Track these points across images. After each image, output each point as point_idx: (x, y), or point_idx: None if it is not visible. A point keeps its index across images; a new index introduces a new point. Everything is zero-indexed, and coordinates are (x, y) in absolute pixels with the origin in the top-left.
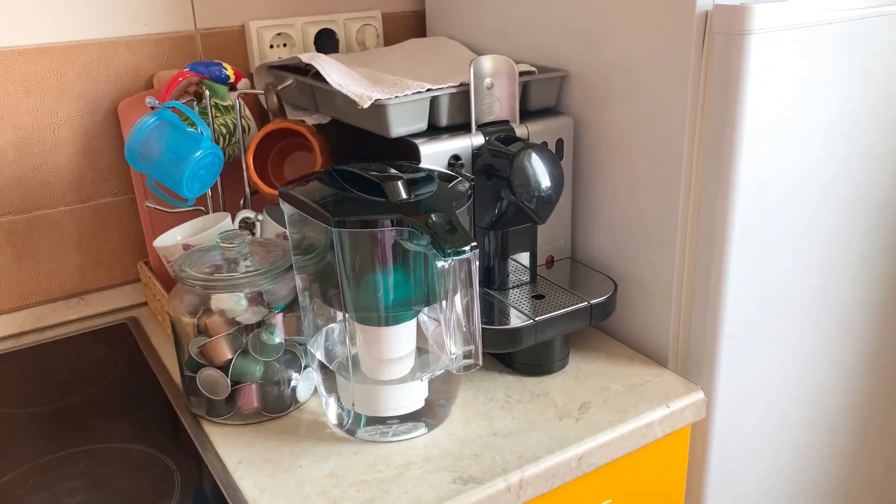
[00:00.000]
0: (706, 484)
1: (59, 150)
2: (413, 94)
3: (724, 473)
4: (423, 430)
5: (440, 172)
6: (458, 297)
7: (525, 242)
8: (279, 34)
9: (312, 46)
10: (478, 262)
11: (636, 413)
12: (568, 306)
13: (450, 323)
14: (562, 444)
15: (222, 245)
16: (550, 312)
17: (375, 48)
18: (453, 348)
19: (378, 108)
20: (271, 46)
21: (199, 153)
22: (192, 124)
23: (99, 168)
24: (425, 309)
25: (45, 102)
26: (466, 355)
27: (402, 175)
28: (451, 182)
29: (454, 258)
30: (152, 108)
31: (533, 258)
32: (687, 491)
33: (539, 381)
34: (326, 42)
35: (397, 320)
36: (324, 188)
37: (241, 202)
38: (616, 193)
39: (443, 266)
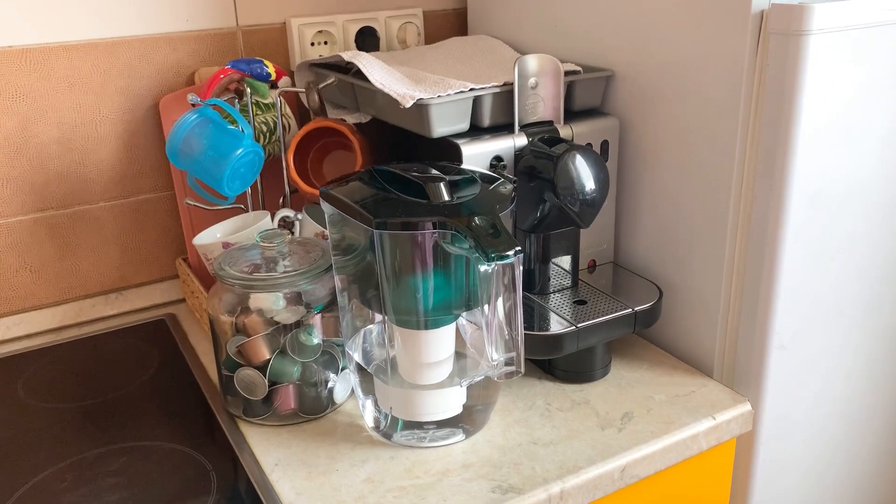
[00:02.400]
0: (751, 499)
1: (101, 145)
2: (456, 93)
3: (769, 488)
4: (461, 436)
5: (482, 174)
6: (500, 303)
7: (567, 246)
8: (320, 31)
9: (353, 44)
10: (521, 268)
11: (681, 424)
12: (611, 313)
13: (492, 329)
14: (604, 455)
15: (262, 244)
16: (593, 319)
17: (416, 46)
18: (495, 355)
19: (420, 108)
20: (312, 44)
21: (239, 151)
22: (234, 122)
23: (140, 164)
24: (464, 313)
25: (88, 98)
26: (508, 362)
27: (444, 176)
28: (492, 184)
29: (498, 262)
30: (194, 105)
31: (575, 262)
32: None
33: (580, 389)
34: (367, 40)
35: (437, 324)
36: (365, 188)
37: (281, 201)
38: (662, 197)
39: (485, 270)
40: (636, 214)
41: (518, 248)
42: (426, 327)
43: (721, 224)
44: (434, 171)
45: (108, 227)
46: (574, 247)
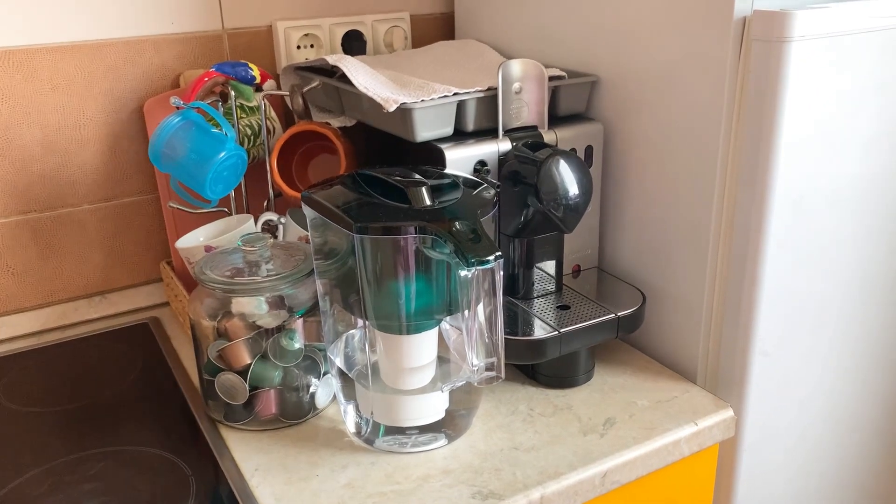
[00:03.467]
0: (733, 502)
1: (84, 148)
2: (440, 97)
3: (751, 495)
4: (444, 441)
5: (465, 178)
6: (480, 308)
7: (551, 251)
8: (306, 35)
9: (340, 48)
10: (502, 272)
11: (663, 430)
12: (594, 318)
13: (472, 334)
14: (585, 461)
15: (244, 248)
16: (576, 324)
17: (403, 50)
18: (475, 360)
19: (404, 112)
20: (298, 47)
21: (222, 154)
22: (217, 125)
23: (123, 167)
24: (447, 318)
25: (72, 100)
26: (489, 367)
27: (426, 181)
28: (475, 188)
29: (478, 268)
30: (177, 108)
31: (559, 267)
32: None
33: (563, 395)
34: (354, 44)
35: (418, 329)
36: (347, 192)
37: (265, 204)
38: (646, 203)
39: (466, 275)
40: (620, 220)
41: (498, 254)
42: (408, 332)
43: (704, 230)
44: (416, 176)
45: (92, 229)
46: (558, 252)
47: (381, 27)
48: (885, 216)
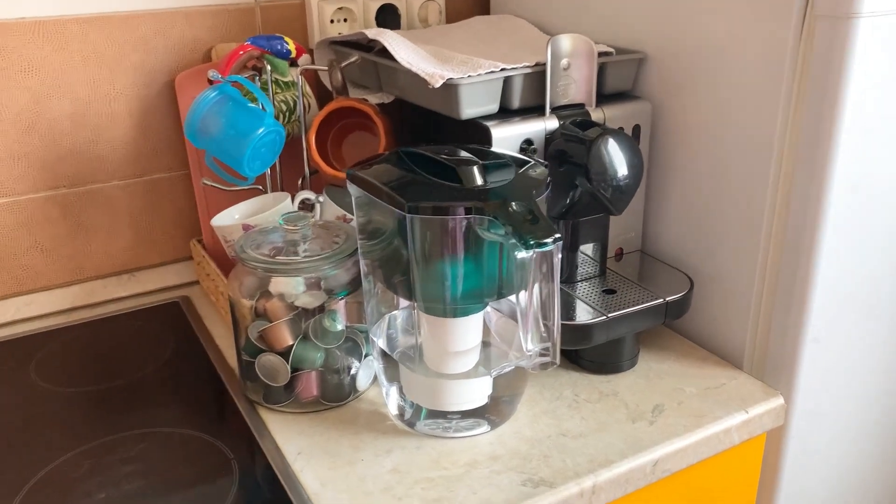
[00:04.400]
0: (777, 494)
1: (114, 122)
2: (486, 73)
3: (796, 482)
4: (486, 427)
5: (512, 157)
6: (536, 291)
7: (596, 234)
8: (340, 8)
9: (374, 22)
10: (559, 255)
11: (713, 418)
12: (642, 303)
13: (528, 318)
14: (635, 449)
15: (286, 227)
16: (623, 309)
17: (438, 25)
18: (530, 345)
19: (449, 88)
20: (332, 21)
21: (261, 130)
22: (254, 100)
23: (154, 142)
24: (495, 301)
25: (102, 73)
26: (542, 353)
27: (477, 160)
28: (522, 167)
29: (536, 250)
30: (213, 81)
31: (603, 251)
32: (757, 500)
33: (607, 380)
34: (389, 18)
35: (465, 312)
36: (394, 171)
37: (299, 182)
38: (694, 185)
39: (523, 258)
40: (665, 202)
41: (557, 236)
42: (455, 315)
43: (757, 214)
44: (465, 154)
45: (121, 206)
46: (603, 234)
47: (416, 1)
48: None
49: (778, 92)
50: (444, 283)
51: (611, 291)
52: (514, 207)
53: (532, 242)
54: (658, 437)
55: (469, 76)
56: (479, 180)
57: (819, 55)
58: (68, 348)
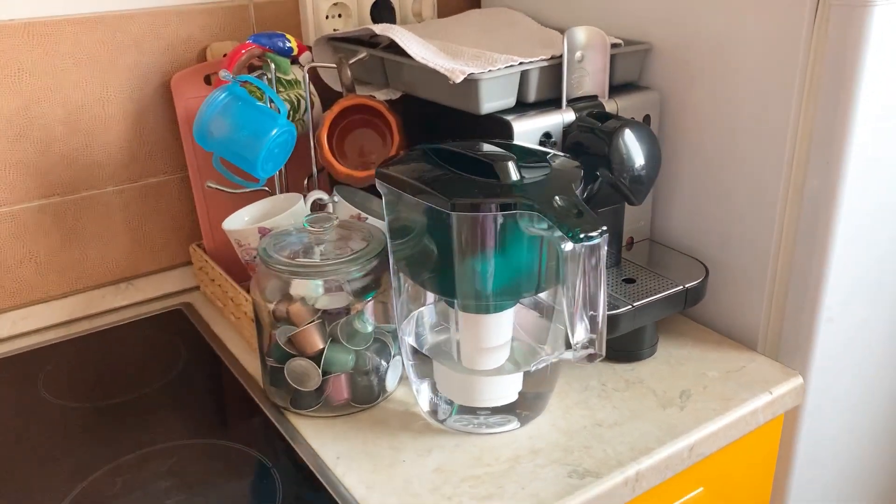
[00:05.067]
0: (793, 469)
1: (108, 126)
2: (505, 67)
3: (810, 460)
4: (516, 423)
5: (535, 150)
6: (580, 284)
7: (611, 224)
8: (335, 4)
9: (368, 17)
10: (606, 247)
11: (740, 400)
12: (663, 291)
13: (576, 311)
14: (671, 435)
15: (310, 229)
16: (647, 297)
17: (433, 20)
18: (578, 337)
19: (469, 83)
20: (327, 17)
21: (275, 131)
22: (261, 99)
23: (149, 145)
24: (531, 296)
25: (95, 76)
26: (586, 345)
27: (512, 155)
28: (543, 160)
29: (585, 244)
30: (225, 81)
31: (618, 240)
32: (774, 477)
33: (631, 368)
34: (384, 13)
35: (502, 307)
36: (427, 168)
37: (306, 182)
38: (703, 173)
39: (571, 251)
40: (674, 190)
41: (604, 228)
42: (491, 311)
43: (771, 199)
44: (497, 150)
45: (117, 212)
46: (618, 224)
47: None
48: None
49: (792, 80)
50: (485, 279)
51: (630, 280)
52: (559, 202)
53: (582, 236)
54: (691, 423)
55: (489, 70)
56: (514, 175)
57: (834, 43)
58: (75, 362)
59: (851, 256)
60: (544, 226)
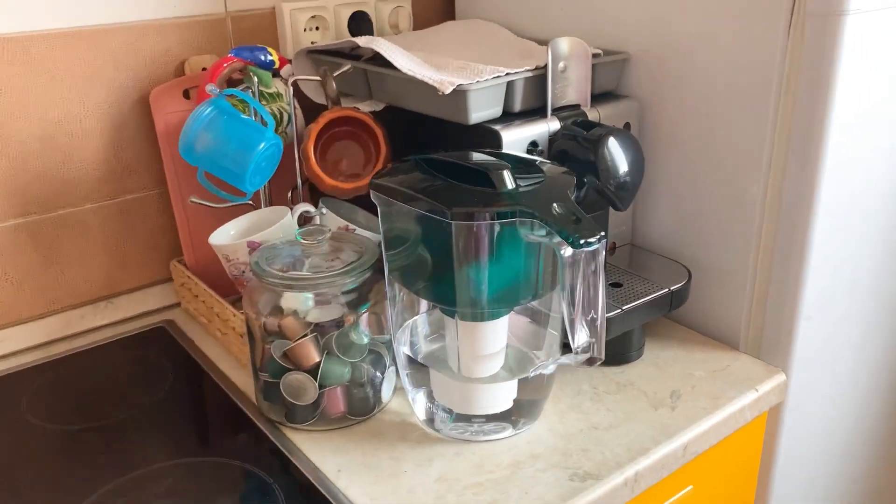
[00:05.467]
0: (776, 465)
1: (85, 142)
2: (493, 78)
3: (792, 454)
4: (511, 430)
5: (521, 158)
6: (580, 290)
7: None
8: (313, 17)
9: (346, 29)
10: (605, 252)
11: (728, 399)
12: (650, 294)
13: (576, 316)
14: (665, 435)
15: (304, 241)
16: (635, 301)
17: (410, 31)
18: (578, 342)
19: (457, 94)
20: (305, 30)
21: (262, 145)
22: (247, 112)
23: (127, 161)
24: (528, 303)
25: (72, 91)
26: (585, 349)
27: (506, 164)
28: (531, 168)
29: (585, 249)
30: (213, 95)
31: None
32: (759, 471)
33: (620, 371)
34: (362, 25)
35: (496, 315)
36: (422, 178)
37: (290, 195)
38: (683, 178)
39: (570, 257)
40: (654, 195)
41: (602, 234)
42: (487, 318)
43: (750, 203)
44: (488, 159)
45: (95, 230)
46: (603, 229)
47: (385, 7)
48: None
49: (769, 86)
50: (484, 287)
51: (617, 285)
52: (558, 209)
53: (582, 242)
54: (683, 422)
55: (477, 81)
56: (510, 184)
57: (810, 50)
58: (59, 383)
59: (828, 255)
60: (543, 232)
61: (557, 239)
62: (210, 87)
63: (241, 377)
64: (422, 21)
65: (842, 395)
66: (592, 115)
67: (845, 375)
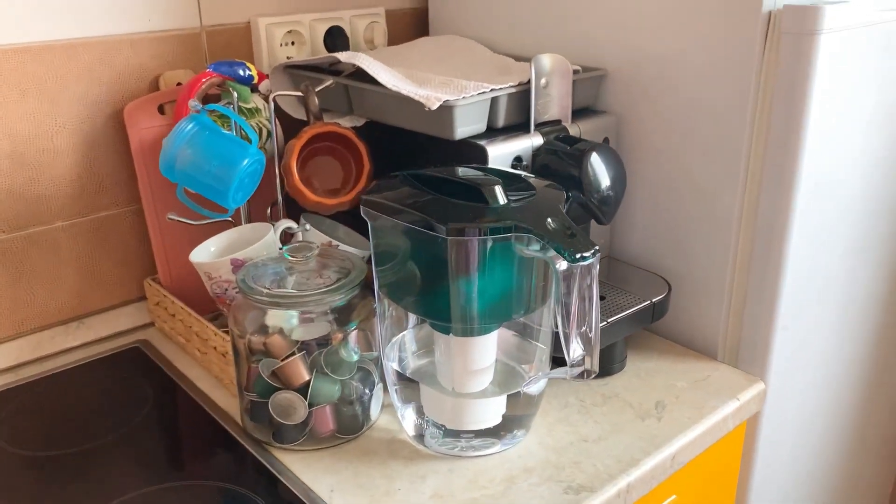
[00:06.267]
0: (753, 473)
1: (57, 159)
2: (478, 94)
3: (768, 459)
4: (499, 446)
5: (505, 172)
6: (575, 303)
7: None
8: (289, 32)
9: (322, 45)
10: (598, 266)
11: (711, 408)
12: (632, 306)
13: (571, 330)
14: (654, 445)
15: (291, 258)
16: (619, 313)
17: (386, 47)
18: (572, 355)
19: (443, 110)
20: (281, 45)
21: (246, 161)
22: (228, 128)
23: (99, 178)
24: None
25: (43, 107)
26: (578, 363)
27: (498, 179)
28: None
29: (581, 263)
30: (195, 111)
31: None
32: (739, 478)
33: (604, 383)
34: (338, 40)
35: (488, 329)
36: (412, 194)
37: (268, 211)
38: (661, 191)
39: (565, 271)
40: (632, 208)
41: (596, 248)
42: (478, 333)
43: (727, 216)
44: (478, 174)
45: (65, 248)
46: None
47: (360, 23)
48: (875, 195)
49: (745, 104)
50: (477, 302)
51: (600, 297)
52: (552, 223)
53: (577, 256)
54: (670, 432)
55: (464, 97)
56: (502, 199)
57: (786, 68)
58: (33, 408)
59: (801, 266)
60: (537, 247)
61: (552, 253)
62: (193, 103)
63: (222, 397)
64: (396, 37)
65: (813, 400)
66: (573, 130)
67: (818, 381)
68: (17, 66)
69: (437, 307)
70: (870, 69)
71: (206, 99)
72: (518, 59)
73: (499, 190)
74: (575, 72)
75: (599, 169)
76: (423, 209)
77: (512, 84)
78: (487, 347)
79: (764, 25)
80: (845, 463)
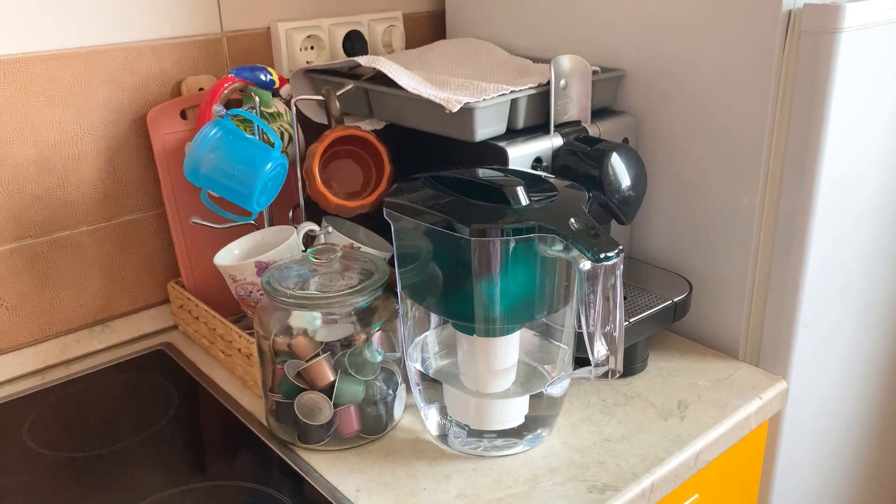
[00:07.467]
0: (775, 472)
1: (82, 164)
2: (498, 96)
3: (790, 458)
4: (522, 446)
5: (526, 173)
6: (600, 303)
7: None
8: (309, 37)
9: (341, 49)
10: (623, 266)
11: (734, 407)
12: (654, 306)
13: (596, 330)
14: (678, 444)
15: (315, 260)
16: (641, 313)
17: (404, 50)
18: (597, 355)
19: (464, 112)
20: (301, 49)
21: (269, 165)
22: (251, 132)
23: (123, 183)
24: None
25: (68, 113)
26: (602, 362)
27: (520, 180)
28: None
29: (605, 263)
30: (219, 116)
31: None
32: (761, 477)
33: (626, 383)
34: (357, 44)
35: (511, 330)
36: (435, 196)
37: (291, 214)
38: (680, 190)
39: (589, 272)
40: (652, 208)
41: (620, 248)
42: (502, 333)
43: (748, 215)
44: (500, 175)
45: (91, 253)
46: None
47: (378, 27)
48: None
49: (766, 102)
50: (501, 302)
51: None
52: (576, 224)
53: (601, 256)
54: (693, 431)
55: (483, 99)
56: (524, 200)
57: (804, 67)
58: (60, 410)
59: (822, 264)
60: (560, 247)
61: (575, 253)
62: (217, 108)
63: (247, 398)
64: (414, 40)
65: (835, 399)
66: (593, 130)
67: (838, 379)
68: (43, 74)
69: (459, 308)
70: (890, 67)
71: (229, 104)
72: (536, 60)
73: (521, 190)
74: (594, 72)
75: (620, 169)
76: (445, 210)
77: (531, 85)
78: (510, 348)
79: (784, 24)
80: (867, 461)
